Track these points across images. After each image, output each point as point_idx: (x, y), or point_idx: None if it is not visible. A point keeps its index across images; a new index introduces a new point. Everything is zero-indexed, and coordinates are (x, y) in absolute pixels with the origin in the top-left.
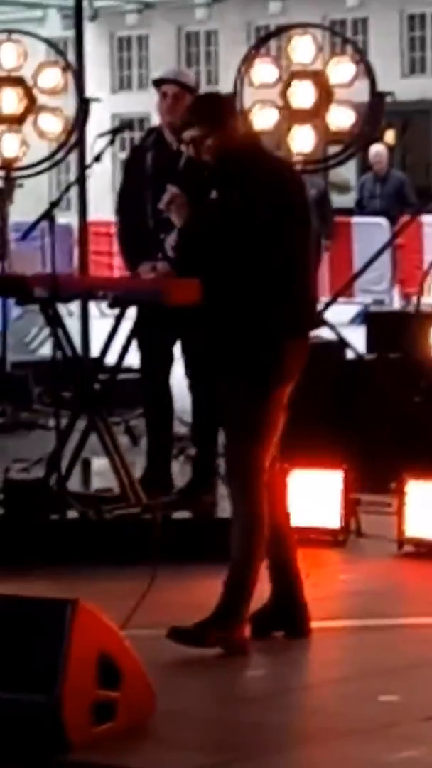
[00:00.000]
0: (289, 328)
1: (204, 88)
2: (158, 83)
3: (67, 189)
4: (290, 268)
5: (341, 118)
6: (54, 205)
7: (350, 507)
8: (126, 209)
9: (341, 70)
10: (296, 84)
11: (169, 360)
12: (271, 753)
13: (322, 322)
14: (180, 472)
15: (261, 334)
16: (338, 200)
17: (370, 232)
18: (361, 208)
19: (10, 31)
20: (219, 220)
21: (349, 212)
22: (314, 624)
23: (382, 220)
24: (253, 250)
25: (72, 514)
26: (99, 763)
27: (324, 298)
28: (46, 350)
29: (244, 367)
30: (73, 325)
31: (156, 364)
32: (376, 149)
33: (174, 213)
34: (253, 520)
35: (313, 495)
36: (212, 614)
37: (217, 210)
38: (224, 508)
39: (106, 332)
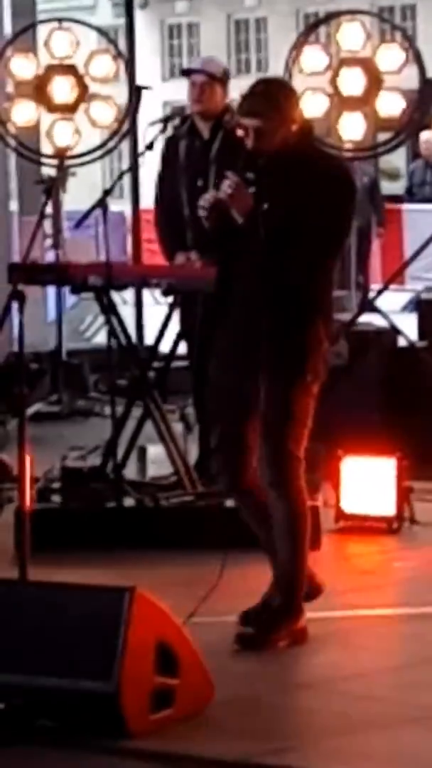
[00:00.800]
0: (327, 334)
1: (254, 76)
2: (186, 73)
3: (120, 177)
4: (327, 273)
5: (391, 105)
6: (107, 193)
7: (404, 494)
8: (162, 198)
9: (390, 57)
10: (345, 71)
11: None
12: (326, 740)
13: (374, 309)
14: None
15: (303, 338)
16: (388, 187)
17: (421, 219)
18: (411, 195)
19: (60, 20)
20: (275, 216)
21: (399, 199)
22: (369, 612)
23: None
24: (301, 254)
25: (128, 501)
26: (157, 750)
27: (375, 286)
28: (101, 338)
29: (290, 368)
30: (127, 313)
31: (203, 352)
32: (426, 136)
33: (235, 204)
34: (297, 513)
35: (367, 482)
36: (273, 614)
37: (275, 201)
38: None
39: (159, 320)
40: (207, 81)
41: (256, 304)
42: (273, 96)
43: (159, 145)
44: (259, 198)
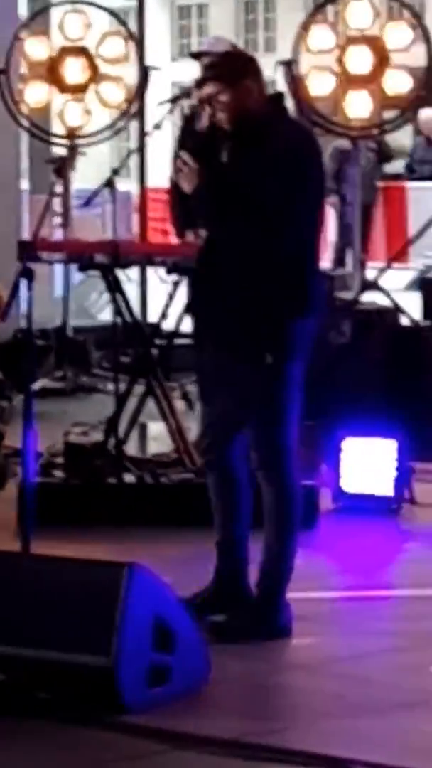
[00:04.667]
0: (294, 308)
1: (263, 55)
2: (195, 56)
3: (128, 156)
4: (300, 244)
5: (398, 84)
6: (115, 172)
7: (404, 475)
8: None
9: (398, 35)
10: (353, 49)
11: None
12: (321, 721)
13: (377, 288)
14: None
15: (265, 311)
16: (393, 165)
17: (425, 197)
18: (411, 173)
19: (73, 1)
20: (227, 187)
21: (402, 177)
22: (367, 593)
23: None
24: (261, 223)
25: (129, 478)
26: (152, 726)
27: (379, 264)
28: (106, 316)
29: (249, 345)
30: (132, 291)
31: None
32: (426, 114)
33: (182, 179)
34: (284, 504)
35: (367, 463)
36: (255, 603)
37: (226, 176)
38: None
39: (163, 298)
40: None
41: (218, 279)
42: (222, 63)
43: (167, 125)
44: (218, 168)
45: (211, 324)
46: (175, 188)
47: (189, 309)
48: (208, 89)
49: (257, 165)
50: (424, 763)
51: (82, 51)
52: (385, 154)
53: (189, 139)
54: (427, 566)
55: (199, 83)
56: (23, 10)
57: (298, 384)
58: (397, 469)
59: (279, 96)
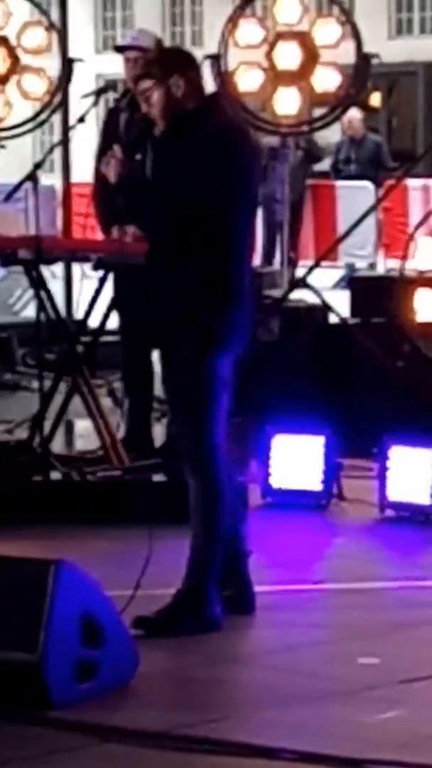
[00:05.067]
0: (213, 302)
1: (188, 49)
2: (119, 50)
3: (51, 150)
4: (221, 238)
5: (327, 80)
6: (38, 166)
7: (332, 471)
8: (101, 171)
9: (327, 31)
10: (282, 45)
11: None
12: (252, 713)
13: (306, 286)
14: (162, 434)
15: (185, 304)
16: (320, 164)
17: (354, 195)
18: (336, 173)
19: None
20: (147, 179)
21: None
22: (297, 587)
23: (368, 184)
24: (185, 215)
25: (55, 475)
26: (81, 721)
27: (308, 262)
28: (29, 312)
29: (172, 339)
30: (56, 287)
31: (135, 327)
32: (350, 113)
33: (109, 169)
34: (210, 497)
35: (296, 459)
36: (179, 599)
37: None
38: None
39: (88, 294)
40: (140, 56)
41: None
42: (156, 58)
43: (91, 119)
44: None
45: (141, 320)
46: (100, 182)
47: (115, 305)
48: (143, 84)
49: (177, 157)
50: (354, 751)
51: (3, 41)
52: (314, 154)
53: (117, 131)
54: (354, 560)
55: (136, 78)
56: None
57: (222, 378)
58: (325, 464)
59: (214, 93)
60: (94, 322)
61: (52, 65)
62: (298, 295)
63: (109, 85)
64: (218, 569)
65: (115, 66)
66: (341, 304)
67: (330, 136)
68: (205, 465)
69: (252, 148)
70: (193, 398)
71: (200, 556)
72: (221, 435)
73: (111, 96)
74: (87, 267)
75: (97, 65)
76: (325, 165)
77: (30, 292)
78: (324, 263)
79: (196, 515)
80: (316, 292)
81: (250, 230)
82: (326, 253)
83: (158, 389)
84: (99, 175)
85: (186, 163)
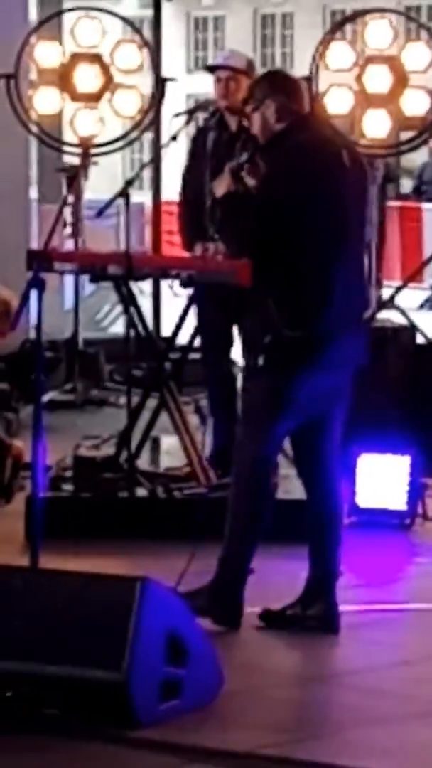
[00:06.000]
0: (289, 321)
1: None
2: (210, 69)
3: (142, 168)
4: (325, 262)
5: (416, 104)
6: (129, 183)
7: (417, 491)
8: (187, 189)
9: (417, 56)
10: (372, 68)
11: (229, 341)
12: (337, 733)
13: (393, 306)
14: None
15: (265, 322)
16: (409, 185)
17: None
18: (419, 194)
19: (87, 9)
20: (255, 201)
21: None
22: (381, 606)
23: None
24: (282, 238)
25: (141, 492)
26: (165, 740)
27: (393, 283)
28: (117, 328)
29: (252, 351)
30: (144, 304)
31: (217, 345)
32: None
33: (221, 184)
34: (242, 500)
35: (382, 478)
36: (208, 586)
37: (256, 191)
38: (287, 489)
39: (175, 312)
40: (232, 75)
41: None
42: (259, 81)
43: (183, 138)
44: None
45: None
46: (185, 201)
47: (199, 322)
48: (246, 109)
49: (280, 181)
50: None
51: (96, 58)
52: (390, 175)
53: (205, 150)
54: None
55: (244, 101)
56: (33, 15)
57: (288, 395)
58: (410, 484)
59: (305, 113)
60: (182, 339)
61: (145, 84)
62: (385, 315)
63: (201, 105)
64: (246, 572)
65: (205, 86)
66: (427, 324)
67: (413, 159)
68: (236, 469)
69: (341, 168)
70: (251, 406)
71: (225, 549)
72: (271, 450)
73: (201, 115)
74: (176, 284)
75: (189, 85)
76: (406, 187)
77: (118, 308)
78: (410, 284)
79: (231, 515)
80: (403, 312)
81: (344, 247)
82: (414, 274)
83: None
84: (185, 193)
85: (267, 180)
